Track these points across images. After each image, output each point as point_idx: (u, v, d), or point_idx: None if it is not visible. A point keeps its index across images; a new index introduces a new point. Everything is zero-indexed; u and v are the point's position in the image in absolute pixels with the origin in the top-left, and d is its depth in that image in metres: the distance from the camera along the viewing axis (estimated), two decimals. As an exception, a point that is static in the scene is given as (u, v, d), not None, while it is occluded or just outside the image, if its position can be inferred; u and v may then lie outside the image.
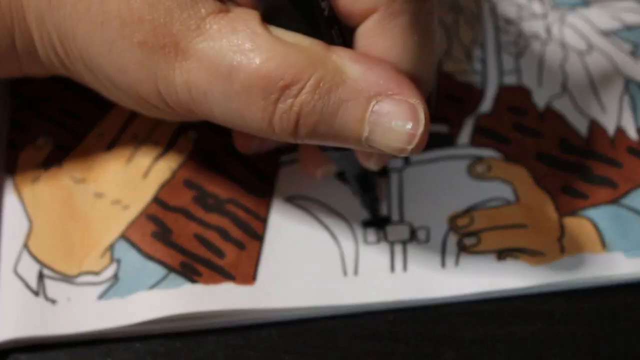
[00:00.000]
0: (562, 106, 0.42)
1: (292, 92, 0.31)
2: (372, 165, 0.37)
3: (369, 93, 0.31)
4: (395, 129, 0.31)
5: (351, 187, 0.40)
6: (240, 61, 0.31)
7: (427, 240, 0.39)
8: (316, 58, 0.31)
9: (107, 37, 0.33)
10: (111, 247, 0.38)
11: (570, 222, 0.39)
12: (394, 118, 0.31)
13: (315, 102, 0.31)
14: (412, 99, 0.31)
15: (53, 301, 0.37)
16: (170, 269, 0.38)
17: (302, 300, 0.37)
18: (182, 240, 0.39)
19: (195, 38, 0.32)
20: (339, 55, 0.32)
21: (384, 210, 0.40)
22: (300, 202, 0.40)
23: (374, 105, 0.31)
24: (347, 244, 0.39)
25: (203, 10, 0.32)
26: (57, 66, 0.36)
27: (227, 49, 0.32)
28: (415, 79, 0.33)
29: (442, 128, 0.42)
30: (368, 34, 0.33)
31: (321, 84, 0.31)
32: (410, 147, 0.32)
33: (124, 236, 0.39)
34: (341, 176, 0.40)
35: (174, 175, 0.40)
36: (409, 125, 0.31)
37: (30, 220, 0.39)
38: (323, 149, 0.38)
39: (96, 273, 0.38)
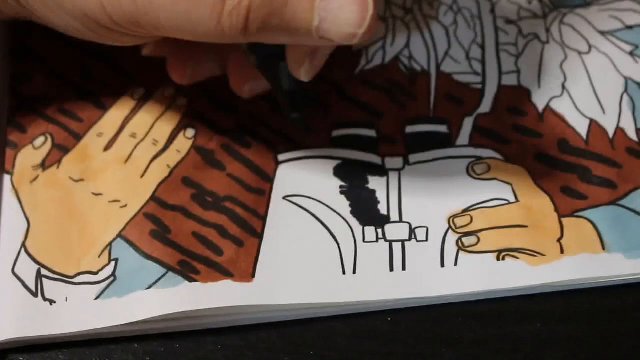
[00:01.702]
0: (562, 106, 0.42)
1: None
2: (303, 74, 0.37)
3: None
4: (345, 14, 0.32)
5: (280, 105, 0.40)
6: None
7: (426, 239, 0.39)
8: None
9: None
10: (109, 246, 0.38)
11: (569, 222, 0.39)
12: (343, 3, 0.32)
13: None
14: None
15: (51, 301, 0.37)
16: (169, 267, 0.38)
17: (301, 298, 0.37)
18: (180, 238, 0.39)
19: None
20: None
21: (383, 210, 0.40)
22: (299, 200, 0.40)
23: None
24: (346, 242, 0.39)
25: None
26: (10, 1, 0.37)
27: None
28: None
29: (441, 128, 0.42)
30: None
31: None
32: (361, 31, 0.32)
33: (122, 235, 0.39)
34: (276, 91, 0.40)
35: (172, 173, 0.40)
36: (358, 9, 0.32)
37: (28, 221, 0.39)
38: (255, 64, 0.38)
39: (94, 272, 0.38)
